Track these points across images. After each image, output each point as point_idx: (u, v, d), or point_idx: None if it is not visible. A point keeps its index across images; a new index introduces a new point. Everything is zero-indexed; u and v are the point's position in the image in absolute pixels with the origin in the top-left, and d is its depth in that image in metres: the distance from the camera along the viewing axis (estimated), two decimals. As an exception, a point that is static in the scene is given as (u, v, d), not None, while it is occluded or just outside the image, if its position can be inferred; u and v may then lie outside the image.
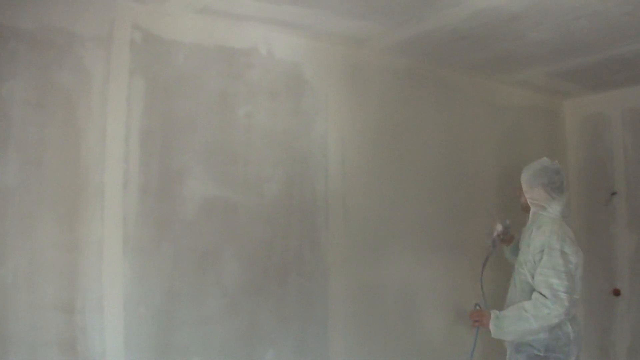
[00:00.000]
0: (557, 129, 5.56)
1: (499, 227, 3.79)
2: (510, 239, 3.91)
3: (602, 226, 5.27)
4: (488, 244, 3.83)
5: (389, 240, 4.17)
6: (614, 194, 5.14)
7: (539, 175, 3.43)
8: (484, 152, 4.84)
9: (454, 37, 3.79)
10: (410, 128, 4.35)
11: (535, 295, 3.22)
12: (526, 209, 3.56)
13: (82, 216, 3.07)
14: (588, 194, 5.41)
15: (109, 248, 3.12)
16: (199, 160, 3.43)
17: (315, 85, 3.89)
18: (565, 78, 4.84)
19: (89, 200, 3.09)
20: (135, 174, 3.22)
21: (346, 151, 3.98)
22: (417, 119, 4.40)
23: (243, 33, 3.61)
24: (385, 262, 4.14)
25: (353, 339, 3.94)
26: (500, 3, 3.21)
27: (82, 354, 3.00)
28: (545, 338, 3.26)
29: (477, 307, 3.59)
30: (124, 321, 3.12)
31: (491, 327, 3.34)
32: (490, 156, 4.88)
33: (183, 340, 3.30)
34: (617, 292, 5.05)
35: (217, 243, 3.47)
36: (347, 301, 3.92)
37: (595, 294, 5.20)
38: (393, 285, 4.14)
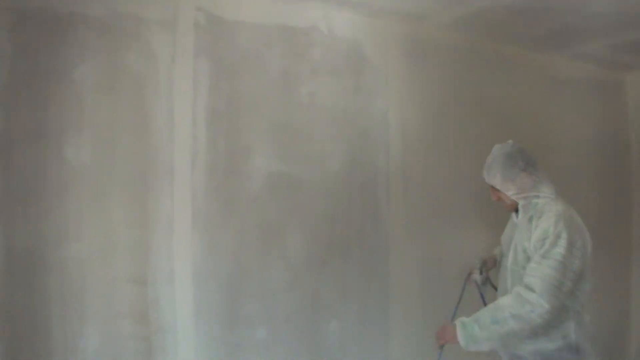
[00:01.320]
0: (619, 103, 5.39)
1: (477, 277, 3.23)
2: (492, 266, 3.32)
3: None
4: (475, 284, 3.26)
5: (449, 214, 4.14)
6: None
7: (511, 163, 2.83)
8: (544, 127, 4.72)
9: (512, 12, 3.69)
10: (469, 103, 4.28)
11: (517, 289, 2.62)
12: (513, 207, 2.96)
13: (152, 194, 3.14)
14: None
15: (178, 224, 3.19)
16: (264, 138, 3.46)
17: (375, 62, 3.85)
18: (627, 50, 4.64)
19: (158, 178, 3.16)
20: (202, 152, 3.27)
21: (406, 127, 3.94)
22: (476, 95, 4.32)
23: (304, 12, 3.59)
24: (445, 236, 4.11)
25: (413, 311, 3.95)
26: None
27: (154, 324, 3.10)
28: (546, 348, 2.71)
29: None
30: (194, 293, 3.20)
31: (459, 338, 2.63)
32: (550, 131, 4.77)
33: (249, 311, 3.36)
34: None
35: (281, 218, 3.50)
36: (407, 274, 3.92)
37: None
38: (453, 258, 4.09)
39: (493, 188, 2.94)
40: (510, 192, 2.86)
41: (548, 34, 4.22)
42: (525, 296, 2.55)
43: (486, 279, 3.23)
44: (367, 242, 3.78)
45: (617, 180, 5.29)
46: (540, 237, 2.65)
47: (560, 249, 2.58)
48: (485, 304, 2.99)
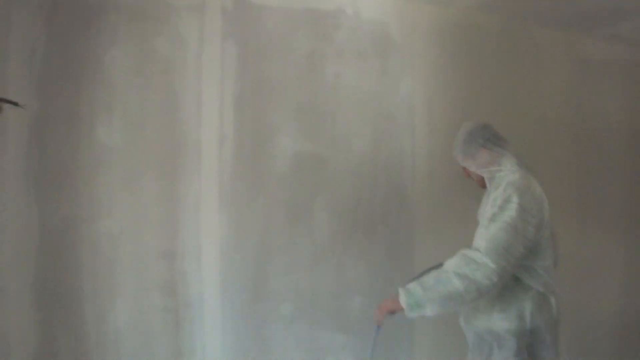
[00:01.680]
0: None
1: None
2: None
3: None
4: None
5: (475, 195, 4.14)
6: None
7: (471, 140, 2.85)
8: (575, 110, 4.67)
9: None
10: (496, 86, 4.25)
11: (462, 250, 2.54)
12: (482, 184, 2.93)
13: (181, 173, 3.26)
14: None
15: (206, 201, 3.31)
16: (290, 119, 3.54)
17: (401, 44, 3.87)
18: None
19: (187, 158, 3.27)
20: (229, 133, 3.37)
21: (432, 109, 3.96)
22: (504, 77, 4.29)
23: (329, -6, 3.65)
24: (472, 217, 4.13)
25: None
26: None
27: (181, 296, 3.23)
28: (500, 327, 2.64)
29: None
30: (220, 268, 3.32)
31: (402, 303, 2.50)
32: (581, 114, 4.70)
33: (275, 287, 3.46)
34: None
35: (307, 196, 3.58)
36: (431, 253, 3.94)
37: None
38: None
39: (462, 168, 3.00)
40: (472, 168, 2.89)
41: (579, 15, 4.17)
42: (469, 255, 2.48)
43: None
44: (391, 221, 3.83)
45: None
46: (492, 204, 2.61)
47: (510, 212, 2.51)
48: None
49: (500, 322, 2.65)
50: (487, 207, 2.66)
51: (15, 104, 2.64)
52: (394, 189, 3.84)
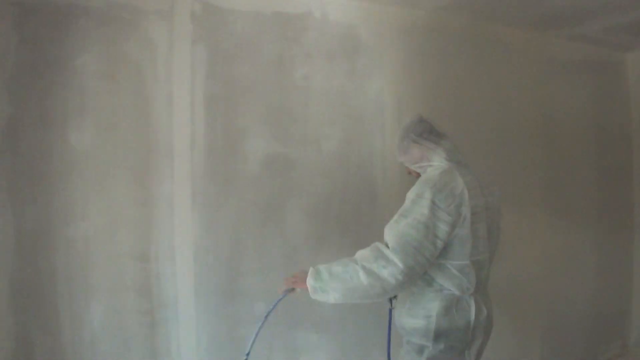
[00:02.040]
0: (619, 83, 5.39)
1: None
2: None
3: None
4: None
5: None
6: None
7: (405, 136, 2.80)
8: (543, 108, 4.77)
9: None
10: (465, 86, 4.33)
11: (375, 243, 2.50)
12: None
13: (153, 175, 3.28)
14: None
15: (179, 203, 3.34)
16: (260, 121, 3.58)
17: (370, 45, 3.93)
18: (626, 31, 4.62)
19: (159, 160, 3.30)
20: (201, 135, 3.40)
21: (402, 110, 4.01)
22: (471, 77, 4.37)
23: (298, -1, 3.70)
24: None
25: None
26: None
27: (156, 298, 3.26)
28: (407, 323, 2.65)
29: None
30: (194, 269, 3.35)
31: (308, 282, 2.52)
32: (549, 112, 4.80)
33: (248, 287, 3.50)
34: None
35: (279, 196, 3.62)
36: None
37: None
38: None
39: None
40: (407, 164, 2.87)
41: (545, 15, 4.24)
42: (381, 249, 2.42)
43: None
44: (363, 220, 3.88)
45: (618, 162, 5.32)
46: (407, 199, 2.54)
47: (421, 209, 2.41)
48: None
49: (408, 319, 2.64)
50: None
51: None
52: (365, 189, 3.90)
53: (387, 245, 2.44)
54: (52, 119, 3.06)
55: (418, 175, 2.86)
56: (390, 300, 2.85)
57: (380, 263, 2.37)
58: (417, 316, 2.59)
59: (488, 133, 4.44)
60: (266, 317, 2.75)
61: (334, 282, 2.45)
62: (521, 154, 4.62)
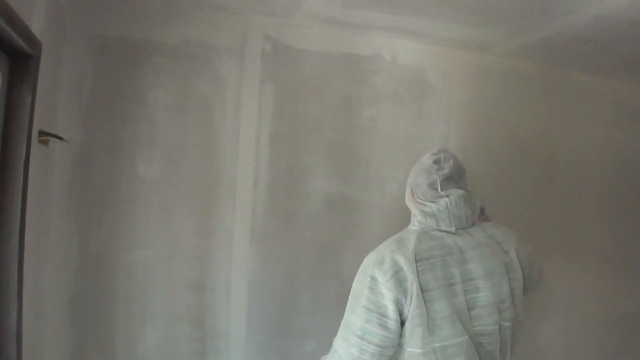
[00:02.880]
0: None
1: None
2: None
3: None
4: None
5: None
6: None
7: (411, 175, 2.35)
8: (611, 156, 4.61)
9: (575, 42, 3.66)
10: (533, 132, 4.25)
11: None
12: None
13: (215, 208, 3.36)
14: None
15: (238, 237, 3.40)
16: (324, 160, 3.61)
17: (438, 89, 3.92)
18: None
19: (222, 194, 3.38)
20: (264, 172, 3.46)
21: (467, 154, 3.95)
22: (540, 122, 4.28)
23: (367, 41, 3.72)
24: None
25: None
26: (620, 8, 3.05)
27: (209, 328, 3.31)
28: None
29: None
30: (248, 302, 3.39)
31: None
32: (617, 160, 4.66)
33: (300, 324, 3.51)
34: None
35: (337, 236, 3.63)
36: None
37: None
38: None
39: None
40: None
41: (615, 63, 4.12)
42: (334, 344, 2.12)
43: None
44: (422, 263, 3.84)
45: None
46: None
47: (362, 287, 2.05)
48: None
49: None
50: None
51: (61, 138, 2.81)
52: (425, 232, 3.85)
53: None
54: (122, 149, 3.20)
55: None
56: None
57: (334, 356, 2.08)
58: None
59: (555, 180, 4.34)
60: None
61: None
62: (587, 202, 4.48)
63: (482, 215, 2.73)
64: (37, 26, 2.44)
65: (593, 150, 4.49)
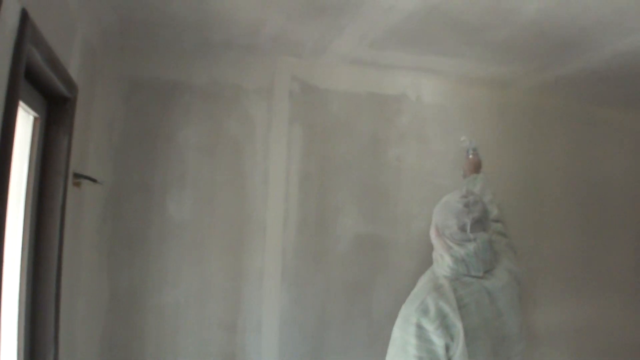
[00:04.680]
0: None
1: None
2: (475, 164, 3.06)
3: None
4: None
5: (536, 273, 4.08)
6: None
7: (440, 216, 2.29)
8: (636, 190, 4.58)
9: (596, 78, 3.65)
10: (558, 166, 4.21)
11: None
12: None
13: (246, 247, 3.34)
14: None
15: (268, 276, 3.37)
16: (352, 199, 3.59)
17: (462, 126, 3.88)
18: None
19: (252, 233, 3.36)
20: (294, 211, 3.44)
21: (493, 191, 3.95)
22: (564, 156, 4.25)
23: (393, 80, 3.73)
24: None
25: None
26: (639, 45, 3.04)
27: (240, 368, 3.27)
28: None
29: None
30: (279, 342, 3.33)
31: None
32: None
33: (331, 363, 3.45)
34: None
35: (366, 276, 3.58)
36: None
37: None
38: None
39: None
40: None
41: (637, 97, 4.11)
42: None
43: None
44: (450, 301, 3.78)
45: None
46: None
47: (410, 338, 2.01)
48: None
49: None
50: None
51: (95, 180, 2.81)
52: (453, 270, 3.80)
53: None
54: (152, 189, 3.19)
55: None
56: None
57: None
58: None
59: (581, 215, 4.29)
60: None
61: None
62: (614, 237, 4.42)
63: (476, 157, 3.23)
64: (74, 68, 2.45)
65: (617, 184, 4.44)
